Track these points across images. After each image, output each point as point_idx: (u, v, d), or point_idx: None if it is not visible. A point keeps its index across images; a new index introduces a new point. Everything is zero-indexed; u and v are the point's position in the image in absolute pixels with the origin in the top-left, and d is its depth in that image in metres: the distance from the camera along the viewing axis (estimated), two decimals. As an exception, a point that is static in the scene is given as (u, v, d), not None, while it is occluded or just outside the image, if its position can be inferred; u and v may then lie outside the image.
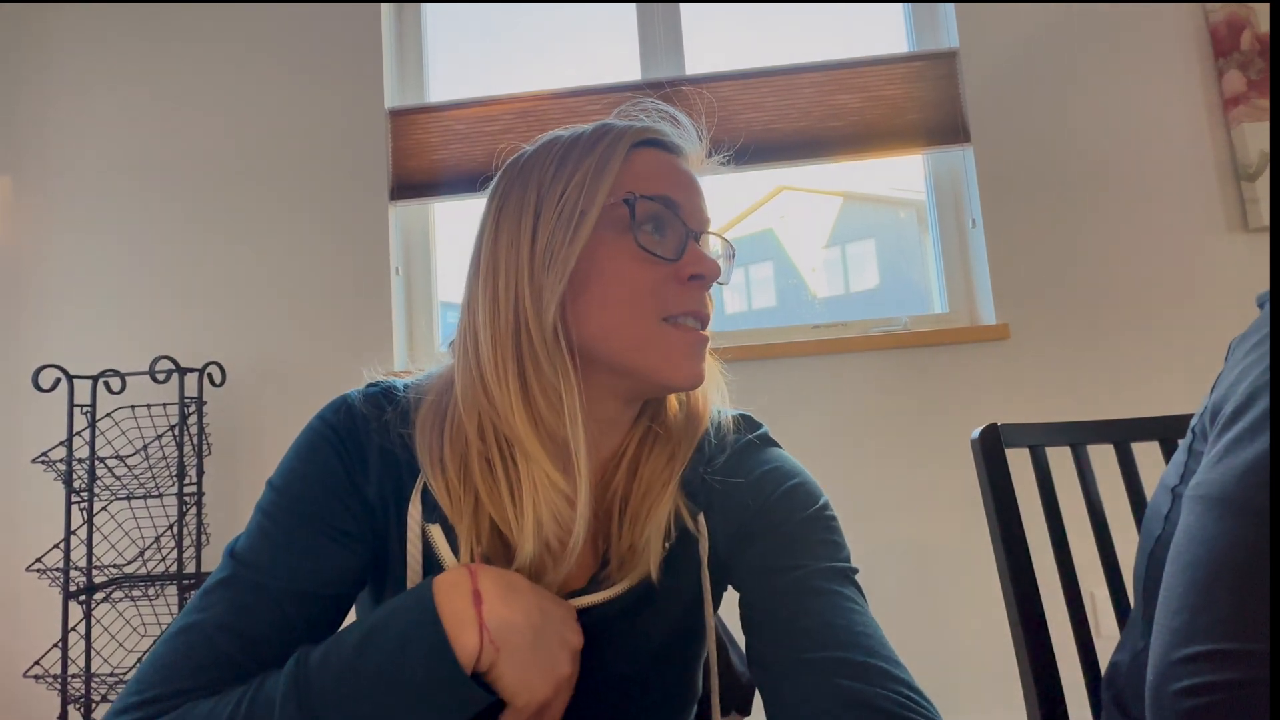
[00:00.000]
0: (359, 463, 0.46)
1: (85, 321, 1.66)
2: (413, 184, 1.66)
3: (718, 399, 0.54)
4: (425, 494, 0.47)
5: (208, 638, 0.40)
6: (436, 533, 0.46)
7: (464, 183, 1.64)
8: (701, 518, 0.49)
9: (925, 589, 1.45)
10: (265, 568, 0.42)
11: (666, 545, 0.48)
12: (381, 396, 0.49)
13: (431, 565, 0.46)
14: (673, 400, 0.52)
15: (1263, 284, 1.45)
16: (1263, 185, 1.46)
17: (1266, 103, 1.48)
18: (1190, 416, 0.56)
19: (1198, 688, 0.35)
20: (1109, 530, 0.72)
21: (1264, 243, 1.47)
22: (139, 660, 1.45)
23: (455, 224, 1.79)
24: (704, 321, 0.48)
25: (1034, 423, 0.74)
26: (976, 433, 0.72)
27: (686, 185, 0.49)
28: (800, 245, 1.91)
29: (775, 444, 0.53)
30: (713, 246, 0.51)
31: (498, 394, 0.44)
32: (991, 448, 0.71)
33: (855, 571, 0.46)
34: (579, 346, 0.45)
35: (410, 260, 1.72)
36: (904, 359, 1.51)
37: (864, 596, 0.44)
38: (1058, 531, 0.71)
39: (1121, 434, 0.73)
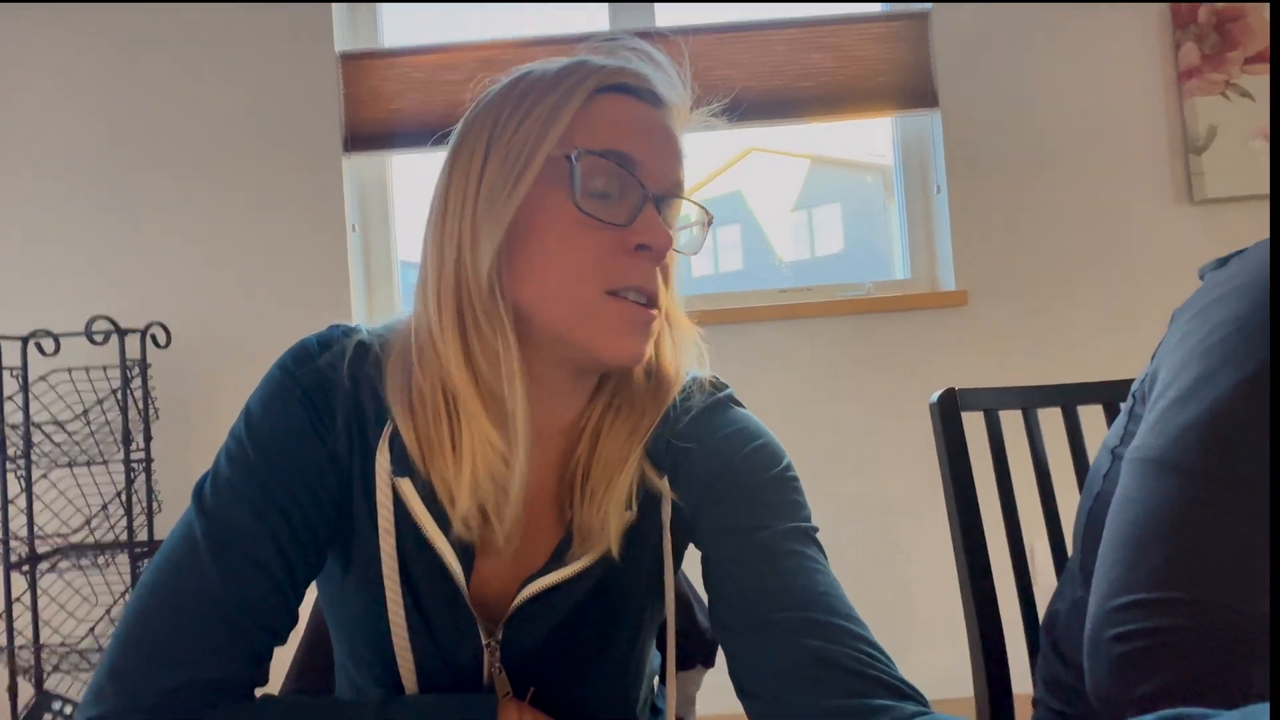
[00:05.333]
0: (326, 415, 0.44)
1: (13, 278, 1.54)
2: (368, 135, 1.57)
3: (694, 366, 0.52)
4: (393, 442, 0.45)
5: (209, 609, 0.40)
6: (407, 486, 0.44)
7: (422, 135, 1.56)
8: (665, 480, 0.49)
9: (881, 540, 1.52)
10: (247, 531, 0.41)
11: (628, 520, 0.46)
12: (343, 338, 0.47)
13: (403, 520, 0.45)
14: (639, 369, 0.49)
15: (1206, 255, 1.50)
16: (1209, 159, 1.51)
17: (1218, 76, 1.52)
18: (1132, 382, 0.59)
19: (1131, 634, 0.38)
20: (1053, 488, 0.76)
21: (1209, 215, 1.53)
22: (91, 629, 1.41)
23: (414, 179, 1.71)
24: (650, 298, 0.44)
25: (988, 387, 0.77)
26: (935, 397, 0.74)
27: (653, 140, 0.44)
28: (768, 208, 1.90)
29: (740, 405, 0.53)
30: (685, 212, 0.48)
31: (440, 347, 0.43)
32: (948, 412, 0.73)
33: (816, 531, 0.47)
34: (517, 307, 0.43)
35: (367, 217, 1.65)
36: (867, 324, 1.54)
37: (825, 556, 0.45)
38: (1005, 490, 0.75)
39: (1068, 398, 0.77)
